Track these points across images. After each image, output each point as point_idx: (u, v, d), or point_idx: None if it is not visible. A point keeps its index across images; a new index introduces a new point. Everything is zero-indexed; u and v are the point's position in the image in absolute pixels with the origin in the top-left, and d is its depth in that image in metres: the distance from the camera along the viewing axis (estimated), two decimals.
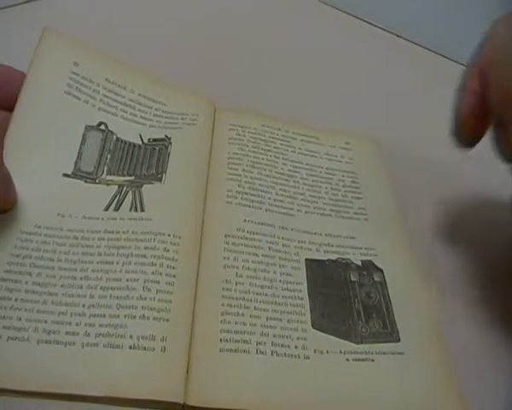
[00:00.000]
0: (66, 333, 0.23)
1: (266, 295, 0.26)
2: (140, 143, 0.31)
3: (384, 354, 0.25)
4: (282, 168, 0.32)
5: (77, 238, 0.26)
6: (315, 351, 0.24)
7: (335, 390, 0.23)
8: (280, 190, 0.31)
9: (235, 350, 0.24)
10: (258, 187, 0.30)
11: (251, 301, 0.25)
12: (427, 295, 0.27)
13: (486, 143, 0.27)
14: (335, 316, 0.26)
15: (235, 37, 0.42)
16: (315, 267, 0.28)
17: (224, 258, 0.27)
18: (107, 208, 0.27)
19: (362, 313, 0.26)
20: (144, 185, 0.29)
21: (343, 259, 0.28)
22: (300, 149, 0.34)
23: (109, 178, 0.29)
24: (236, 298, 0.25)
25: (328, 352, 0.24)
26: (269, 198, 0.30)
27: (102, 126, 0.30)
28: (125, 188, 0.29)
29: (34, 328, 0.22)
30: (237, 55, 0.41)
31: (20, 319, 0.23)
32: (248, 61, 0.41)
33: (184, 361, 0.23)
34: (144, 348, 0.23)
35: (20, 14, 0.40)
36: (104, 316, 0.23)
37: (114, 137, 0.30)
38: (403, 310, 0.27)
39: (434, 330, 0.26)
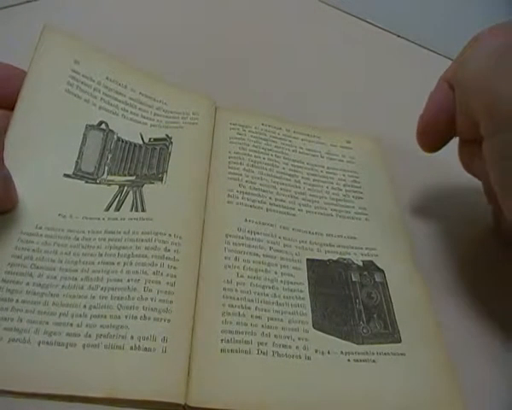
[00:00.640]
0: (67, 334, 0.23)
1: (267, 295, 0.26)
2: (141, 142, 0.31)
3: (385, 354, 0.25)
4: (283, 168, 0.32)
5: (78, 239, 0.26)
6: (316, 351, 0.24)
7: (336, 391, 0.23)
8: (281, 189, 0.31)
9: (237, 351, 0.24)
10: (259, 187, 0.30)
11: (252, 301, 0.25)
12: (428, 296, 0.27)
13: None
14: (336, 316, 0.26)
15: (236, 36, 0.42)
16: (316, 267, 0.27)
17: (225, 258, 0.27)
18: (107, 209, 0.27)
19: (363, 314, 0.26)
20: (145, 185, 0.29)
21: (344, 259, 0.28)
22: (301, 148, 0.34)
23: (110, 178, 0.29)
24: (237, 298, 0.25)
25: (329, 352, 0.24)
26: (270, 198, 0.30)
27: (103, 126, 0.30)
28: (125, 188, 0.28)
29: (35, 329, 0.22)
30: (238, 54, 0.41)
31: (21, 320, 0.23)
32: (249, 61, 0.41)
33: (185, 362, 0.23)
34: (145, 349, 0.23)
35: (20, 13, 0.40)
36: (105, 317, 0.23)
37: (115, 136, 0.30)
38: (404, 311, 0.26)
39: (435, 330, 0.26)
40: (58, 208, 0.27)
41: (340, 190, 0.32)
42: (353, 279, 0.27)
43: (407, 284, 0.28)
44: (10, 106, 0.28)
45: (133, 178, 0.29)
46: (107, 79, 0.31)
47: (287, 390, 0.23)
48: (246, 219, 0.28)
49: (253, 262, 0.27)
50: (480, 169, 0.27)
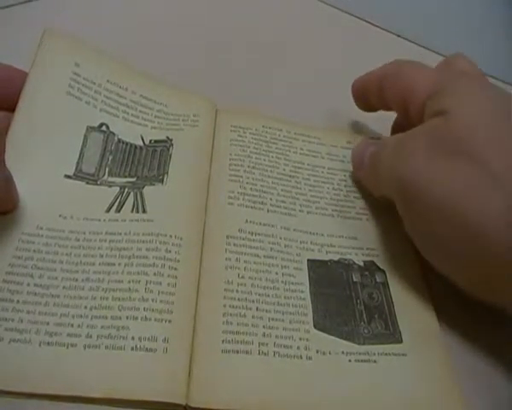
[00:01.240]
0: (68, 335, 0.23)
1: (268, 295, 0.26)
2: (141, 144, 0.31)
3: (386, 355, 0.25)
4: (283, 169, 0.32)
5: (78, 240, 0.26)
6: (317, 352, 0.24)
7: (338, 391, 0.23)
8: (282, 190, 0.31)
9: (238, 351, 0.24)
10: (260, 188, 0.30)
11: (253, 301, 0.25)
12: (429, 296, 0.27)
13: None
14: (338, 317, 0.26)
15: (236, 37, 0.42)
16: (317, 268, 0.27)
17: (226, 259, 0.27)
18: (108, 210, 0.27)
19: (364, 314, 0.26)
20: (146, 187, 0.29)
21: (345, 259, 0.28)
22: (302, 149, 0.34)
23: (111, 179, 0.29)
24: (238, 299, 0.25)
25: (330, 353, 0.24)
26: (270, 199, 0.30)
27: (104, 128, 0.30)
28: (126, 189, 0.28)
29: (36, 330, 0.22)
30: (238, 55, 0.41)
31: (21, 320, 0.23)
32: (249, 62, 0.41)
33: (186, 362, 0.23)
34: (146, 350, 0.23)
35: (20, 13, 0.40)
36: (106, 318, 0.23)
37: (116, 138, 0.30)
38: (405, 311, 0.26)
39: (436, 331, 0.26)
40: (59, 209, 0.27)
41: (341, 190, 0.32)
42: (354, 280, 0.27)
43: (408, 285, 0.28)
44: (11, 107, 0.28)
45: (134, 179, 0.29)
46: (107, 81, 0.32)
47: (288, 391, 0.23)
48: (247, 221, 0.28)
49: (254, 263, 0.27)
50: None
